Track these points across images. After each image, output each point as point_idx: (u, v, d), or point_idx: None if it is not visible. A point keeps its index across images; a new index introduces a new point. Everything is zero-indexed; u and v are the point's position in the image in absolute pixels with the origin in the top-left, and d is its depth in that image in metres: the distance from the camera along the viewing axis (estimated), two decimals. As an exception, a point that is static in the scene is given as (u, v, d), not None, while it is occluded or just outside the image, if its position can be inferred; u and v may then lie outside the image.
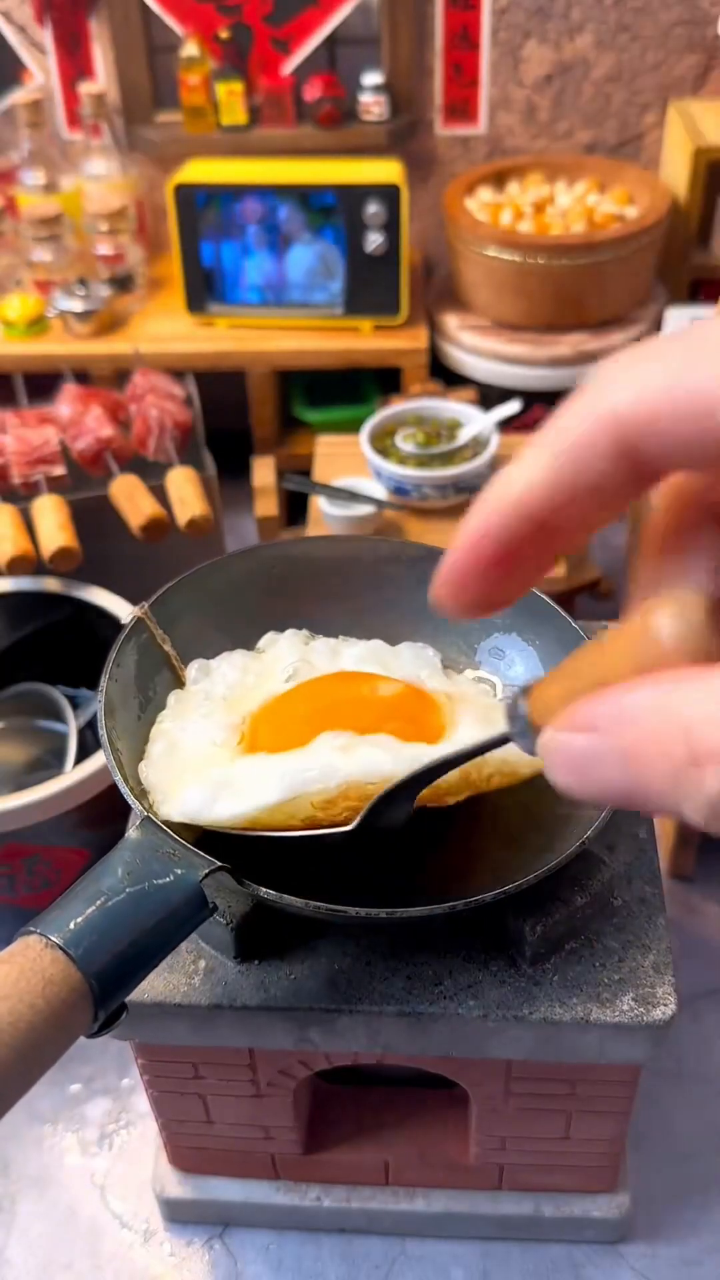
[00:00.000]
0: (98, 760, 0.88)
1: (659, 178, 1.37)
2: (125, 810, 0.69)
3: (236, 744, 0.58)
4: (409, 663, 0.64)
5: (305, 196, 1.29)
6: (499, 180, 1.39)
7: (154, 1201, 0.79)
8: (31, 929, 0.46)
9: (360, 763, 0.52)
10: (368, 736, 0.54)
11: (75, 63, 1.37)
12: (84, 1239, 0.79)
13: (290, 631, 0.67)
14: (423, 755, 0.52)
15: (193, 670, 0.65)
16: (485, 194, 1.36)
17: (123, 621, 0.63)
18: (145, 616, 0.64)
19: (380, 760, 0.52)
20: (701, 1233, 0.77)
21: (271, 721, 0.59)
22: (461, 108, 1.39)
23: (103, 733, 0.57)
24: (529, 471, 0.24)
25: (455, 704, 0.59)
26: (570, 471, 0.23)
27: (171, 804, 0.55)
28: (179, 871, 0.49)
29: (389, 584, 0.68)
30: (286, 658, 0.64)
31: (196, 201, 1.28)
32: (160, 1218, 0.80)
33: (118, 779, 0.55)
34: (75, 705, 1.01)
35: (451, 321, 1.34)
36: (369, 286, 1.31)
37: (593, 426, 0.23)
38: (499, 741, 0.41)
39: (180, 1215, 0.79)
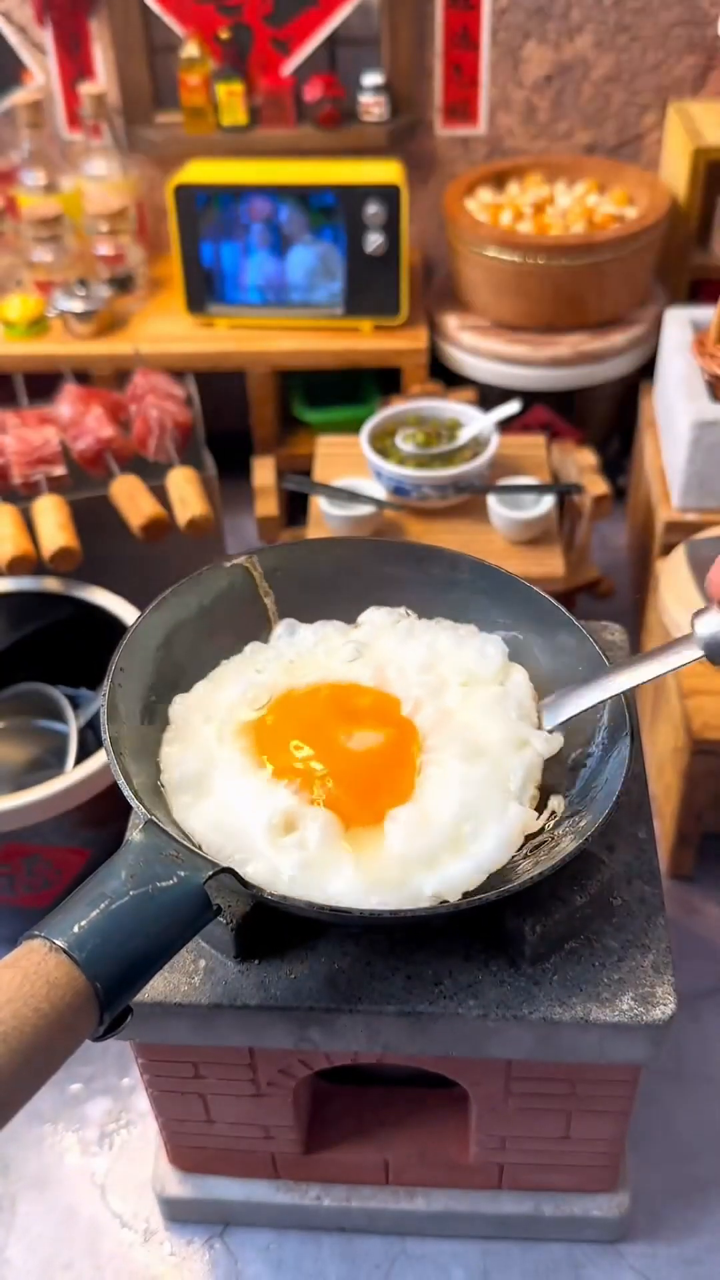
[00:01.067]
0: (98, 760, 0.88)
1: (659, 178, 1.37)
2: (126, 810, 0.69)
3: (258, 709, 0.63)
4: (468, 660, 0.65)
5: (305, 197, 1.29)
6: (499, 181, 1.39)
7: (154, 1201, 0.80)
8: (36, 933, 0.47)
9: (263, 875, 0.55)
10: (310, 814, 0.57)
11: (75, 63, 1.37)
12: (84, 1238, 0.80)
13: (385, 611, 0.70)
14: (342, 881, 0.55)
15: (280, 628, 0.68)
16: (485, 194, 1.37)
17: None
18: (251, 566, 0.68)
19: (278, 878, 0.55)
20: (701, 1232, 0.77)
21: (273, 727, 0.62)
22: (461, 108, 1.39)
23: (105, 734, 0.57)
24: None
25: (435, 761, 0.60)
26: None
27: (172, 760, 0.60)
28: (182, 874, 0.50)
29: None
30: (358, 637, 0.67)
31: (196, 202, 1.28)
32: (160, 1217, 0.80)
33: (120, 780, 0.55)
34: (75, 705, 1.01)
35: (451, 322, 1.34)
36: (369, 287, 1.31)
37: None
38: None
39: (180, 1215, 0.79)
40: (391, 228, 1.26)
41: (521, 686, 0.64)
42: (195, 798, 0.59)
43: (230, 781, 0.59)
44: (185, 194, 1.27)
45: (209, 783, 0.59)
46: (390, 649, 0.67)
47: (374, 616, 0.69)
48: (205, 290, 1.34)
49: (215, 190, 1.28)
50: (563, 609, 0.66)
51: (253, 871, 0.55)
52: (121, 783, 0.55)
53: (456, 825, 0.57)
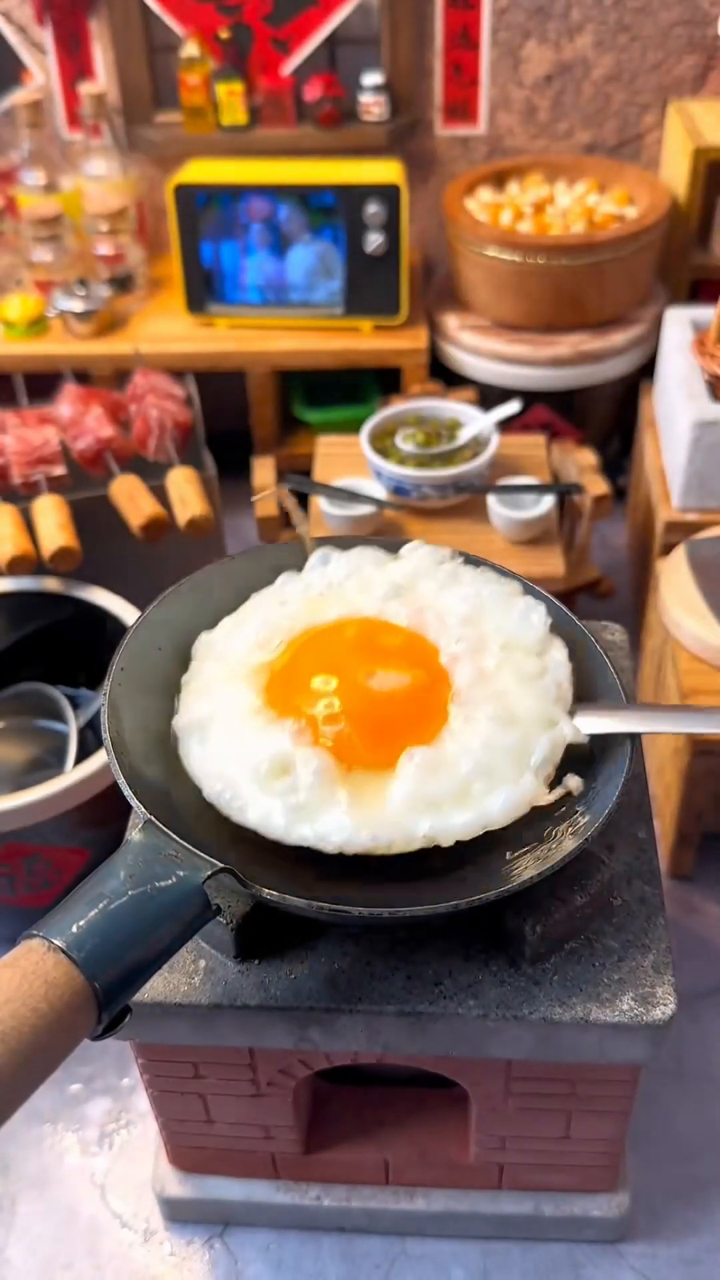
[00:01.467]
0: (98, 760, 0.88)
1: (659, 178, 1.37)
2: (126, 810, 0.69)
3: (271, 649, 0.62)
4: (512, 622, 0.63)
5: (305, 197, 1.29)
6: (499, 180, 1.39)
7: (154, 1201, 0.79)
8: (34, 932, 0.47)
9: (259, 818, 0.55)
10: (303, 757, 0.56)
11: (75, 63, 1.37)
12: (84, 1239, 0.79)
13: (431, 549, 0.68)
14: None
15: (314, 559, 0.68)
16: (485, 194, 1.36)
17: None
18: (283, 495, 0.69)
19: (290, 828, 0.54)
20: (702, 1232, 0.77)
21: (288, 666, 0.61)
22: (461, 108, 1.39)
23: (106, 734, 0.57)
24: None
25: (466, 709, 0.58)
26: None
27: (184, 704, 0.61)
28: (181, 874, 0.49)
29: None
30: (395, 577, 0.66)
31: (196, 202, 1.28)
32: (160, 1217, 0.80)
33: (120, 780, 0.55)
34: (75, 705, 1.01)
35: (451, 322, 1.34)
36: (369, 287, 1.30)
37: None
38: None
39: (180, 1215, 0.79)
40: (391, 227, 1.26)
41: (561, 667, 0.62)
42: (199, 743, 0.59)
43: (231, 725, 0.58)
44: (185, 194, 1.27)
45: (212, 727, 0.59)
46: (431, 593, 0.65)
47: (419, 552, 0.68)
48: (205, 290, 1.33)
49: (215, 190, 1.28)
50: (563, 608, 0.65)
51: (253, 818, 0.55)
52: (122, 782, 0.55)
53: (468, 781, 0.56)
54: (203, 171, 1.30)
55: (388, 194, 1.24)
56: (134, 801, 0.54)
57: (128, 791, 0.55)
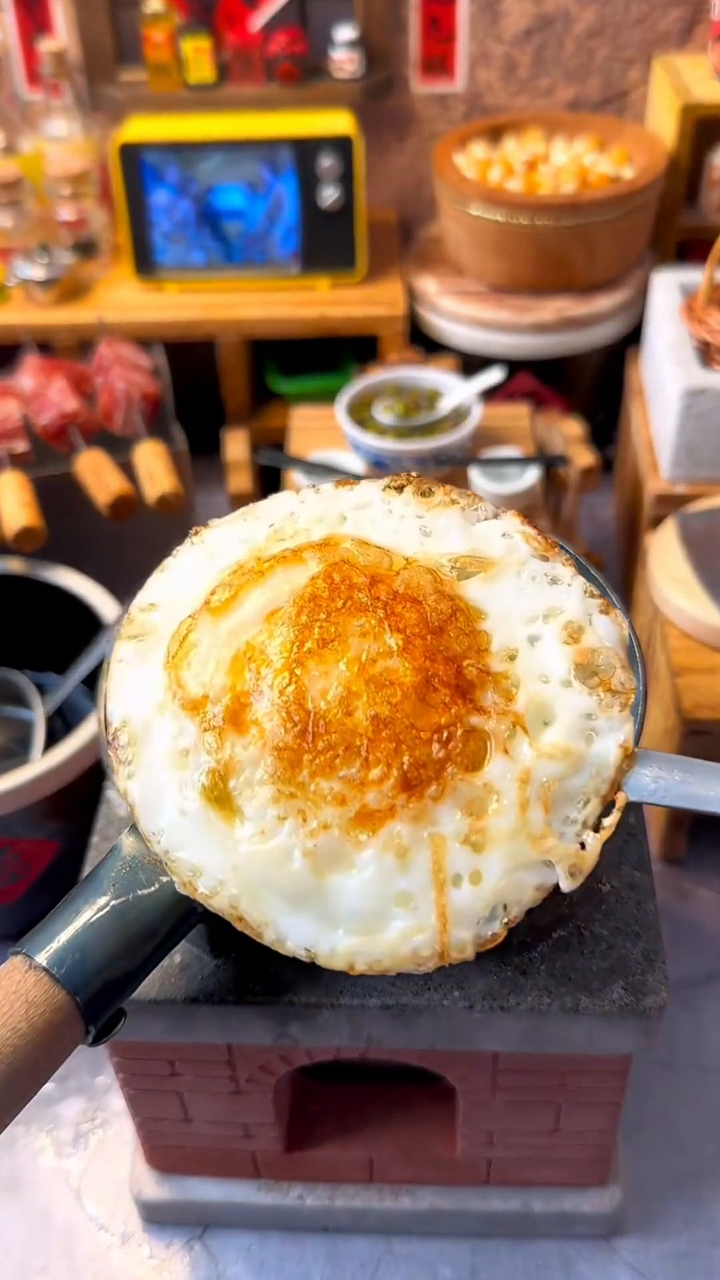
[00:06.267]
0: (66, 749, 0.84)
1: (660, 138, 1.32)
2: (95, 801, 0.66)
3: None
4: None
5: (256, 151, 1.24)
6: (495, 135, 1.34)
7: (131, 1203, 0.77)
8: (18, 949, 0.47)
9: None
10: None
11: (34, 18, 1.31)
12: (60, 1242, 0.77)
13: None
14: None
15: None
16: (479, 149, 1.31)
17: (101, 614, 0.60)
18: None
19: None
20: (695, 1225, 0.75)
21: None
22: (438, 64, 1.34)
23: (103, 735, 0.54)
24: None
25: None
26: None
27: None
28: (164, 879, 0.49)
29: None
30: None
31: (142, 160, 1.23)
32: (138, 1219, 0.78)
33: (111, 770, 0.52)
34: (42, 691, 0.98)
35: (430, 286, 1.30)
36: (325, 242, 1.26)
37: None
38: None
39: (158, 1217, 0.77)
40: (346, 180, 1.21)
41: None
42: None
43: None
44: (130, 152, 1.22)
45: None
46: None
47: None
48: (153, 252, 1.29)
49: (162, 147, 1.23)
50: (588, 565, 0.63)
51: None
52: (115, 779, 0.52)
53: None
54: (147, 129, 1.25)
55: (341, 145, 1.20)
56: (130, 804, 0.52)
57: (123, 790, 0.52)
